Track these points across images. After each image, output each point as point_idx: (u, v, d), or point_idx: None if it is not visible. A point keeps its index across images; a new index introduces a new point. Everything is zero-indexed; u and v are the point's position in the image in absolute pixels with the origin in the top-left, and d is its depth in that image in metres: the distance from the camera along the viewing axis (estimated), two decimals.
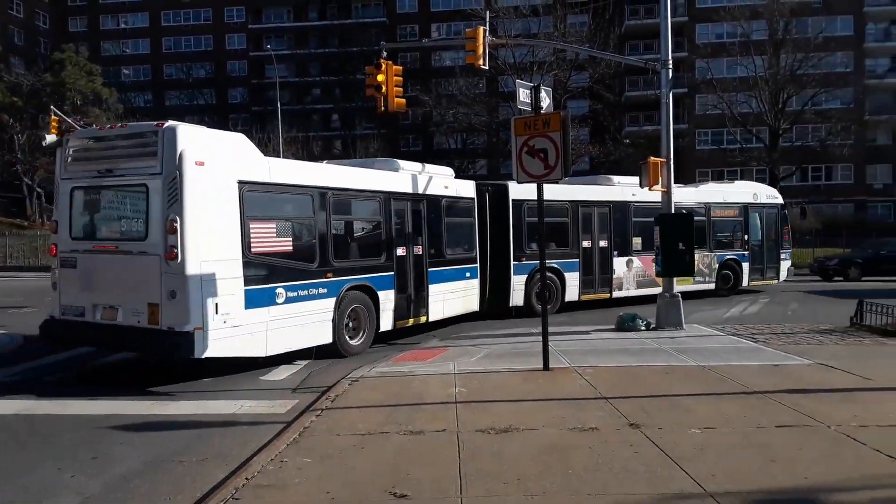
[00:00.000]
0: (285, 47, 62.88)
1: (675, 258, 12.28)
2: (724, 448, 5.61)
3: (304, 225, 10.29)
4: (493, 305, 14.85)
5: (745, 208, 20.00)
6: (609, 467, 5.19)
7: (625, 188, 17.62)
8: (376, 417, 6.68)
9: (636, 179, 19.76)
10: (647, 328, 12.40)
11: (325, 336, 10.23)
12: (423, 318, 12.63)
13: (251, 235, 9.01)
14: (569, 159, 8.54)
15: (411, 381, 8.33)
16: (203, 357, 8.28)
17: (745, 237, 19.96)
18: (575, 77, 43.37)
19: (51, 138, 9.20)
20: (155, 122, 8.74)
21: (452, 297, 13.41)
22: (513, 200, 15.18)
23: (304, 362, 10.04)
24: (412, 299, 12.24)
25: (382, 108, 13.33)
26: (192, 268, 8.14)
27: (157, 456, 6.04)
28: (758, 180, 42.32)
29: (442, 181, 13.54)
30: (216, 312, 8.36)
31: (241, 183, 8.89)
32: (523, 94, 9.24)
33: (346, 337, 10.70)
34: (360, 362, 9.79)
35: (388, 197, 11.81)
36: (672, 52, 13.02)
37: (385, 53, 13.45)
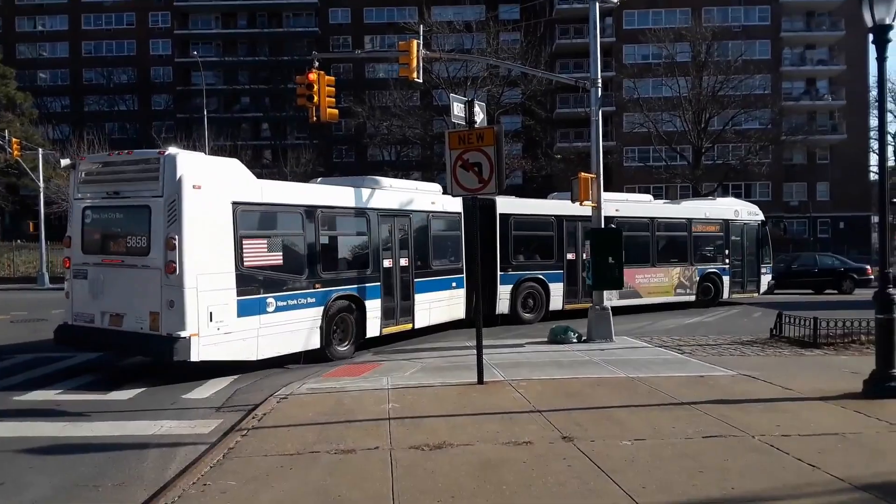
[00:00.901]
0: (213, 54, 61.28)
1: (606, 272, 12.54)
2: (654, 459, 5.67)
3: (294, 240, 11.09)
4: (482, 312, 14.96)
5: (726, 224, 20.79)
6: (543, 482, 5.17)
7: (608, 203, 17.60)
8: (306, 436, 6.46)
9: (618, 195, 21.09)
10: (579, 340, 12.58)
11: (313, 342, 11.02)
12: (409, 326, 13.35)
13: (244, 251, 9.94)
14: (502, 174, 8.59)
15: (343, 397, 8.13)
16: (198, 360, 9.17)
17: (726, 251, 20.80)
18: (508, 93, 44.02)
19: (65, 162, 11.01)
20: (157, 150, 9.72)
21: (438, 305, 14.16)
22: (500, 214, 16.14)
23: (231, 378, 9.70)
24: (398, 308, 13.01)
25: (314, 119, 13.14)
26: (189, 280, 9.08)
27: (71, 481, 5.67)
28: (681, 196, 44.15)
29: (429, 197, 14.31)
30: (210, 320, 9.31)
31: (234, 204, 9.84)
32: (457, 109, 9.25)
33: (334, 343, 11.49)
34: (290, 378, 9.52)
35: (375, 213, 12.59)
36: (601, 71, 13.34)
37: (317, 63, 13.26)
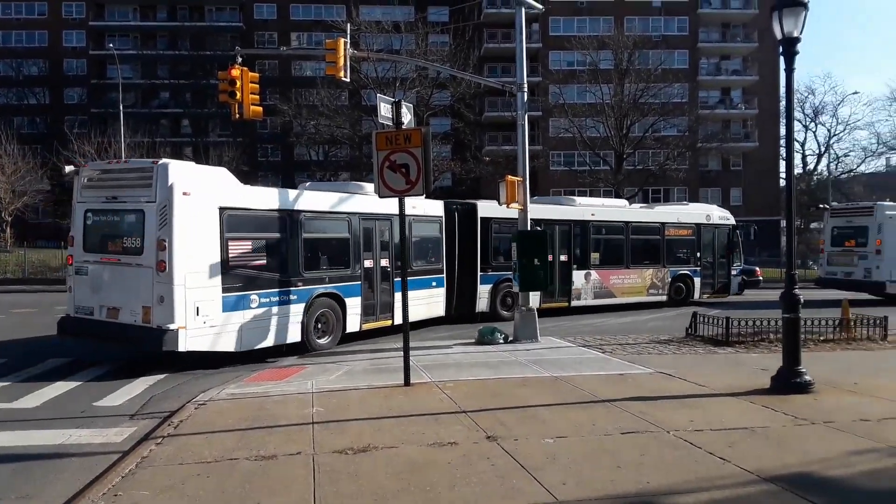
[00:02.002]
0: (130, 47, 58.68)
1: (532, 273, 12.75)
2: (575, 456, 5.79)
3: (277, 242, 11.90)
4: (461, 311, 16.74)
5: (698, 228, 21.85)
6: (467, 482, 5.19)
7: (585, 208, 19.79)
8: (225, 443, 6.28)
9: (594, 200, 22.06)
10: (506, 341, 12.72)
11: (294, 335, 11.88)
12: (389, 322, 14.05)
13: (229, 251, 10.80)
14: (430, 175, 8.59)
15: (264, 402, 7.94)
16: (184, 351, 9.99)
17: (698, 254, 21.87)
18: (437, 95, 44.07)
19: (69, 168, 11.95)
20: (152, 160, 10.74)
21: (418, 303, 14.66)
22: (481, 218, 17.10)
23: (147, 384, 9.34)
24: (378, 305, 13.85)
25: (237, 116, 12.78)
26: (178, 278, 9.90)
27: None
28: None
29: (410, 201, 14.30)
30: (197, 314, 10.14)
31: (221, 209, 10.69)
32: (384, 109, 9.20)
33: (314, 337, 12.36)
34: (210, 383, 9.23)
35: (357, 217, 13.42)
36: (527, 76, 13.56)
37: (240, 59, 12.91)
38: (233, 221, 10.91)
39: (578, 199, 20.66)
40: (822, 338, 12.76)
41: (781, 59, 8.88)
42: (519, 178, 13.21)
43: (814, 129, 65.15)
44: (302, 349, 11.93)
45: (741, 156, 57.39)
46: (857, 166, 64.06)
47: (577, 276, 19.05)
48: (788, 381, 8.36)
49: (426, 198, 12.87)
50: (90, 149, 36.87)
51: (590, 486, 5.11)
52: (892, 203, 24.33)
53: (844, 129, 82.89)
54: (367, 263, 13.58)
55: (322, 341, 12.45)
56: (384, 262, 14.02)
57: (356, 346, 12.65)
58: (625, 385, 8.79)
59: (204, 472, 5.49)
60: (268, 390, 8.58)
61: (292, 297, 11.84)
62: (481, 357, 11.11)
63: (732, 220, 23.18)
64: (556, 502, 4.81)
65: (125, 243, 10.55)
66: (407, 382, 8.61)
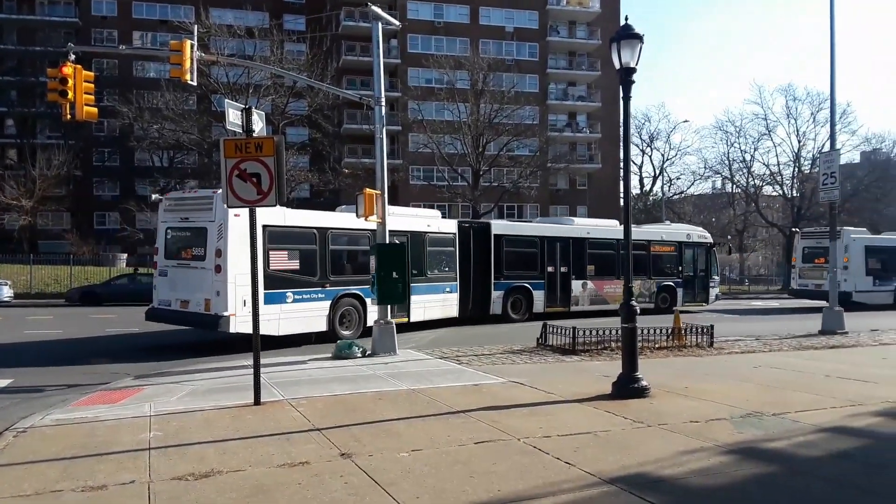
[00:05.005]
0: None
1: (390, 286, 12.69)
2: (429, 469, 5.77)
3: (309, 252, 15.26)
4: (477, 313, 20.15)
5: (680, 245, 25.19)
6: (318, 502, 5.00)
7: (581, 227, 23.30)
8: (48, 473, 5.63)
9: (590, 220, 25.33)
10: (364, 355, 12.56)
11: (321, 326, 15.29)
12: (406, 319, 17.14)
13: (270, 259, 14.15)
14: (283, 185, 8.30)
15: (96, 427, 7.23)
16: (234, 332, 13.32)
17: (680, 268, 25.11)
18: (293, 104, 43.04)
19: (155, 196, 15.90)
20: (212, 190, 13.98)
21: (432, 305, 18.47)
22: (494, 235, 20.75)
23: None
24: (395, 305, 15.59)
25: (69, 116, 11.72)
26: (230, 278, 13.23)
27: None
28: (462, 216, 46.48)
29: (425, 221, 19.03)
30: (244, 306, 12.93)
31: (264, 227, 13.62)
32: (233, 115, 8.78)
33: (340, 329, 15.64)
34: (32, 408, 8.28)
35: (376, 233, 15.21)
36: (386, 90, 13.60)
37: (73, 56, 11.87)
38: (273, 236, 14.25)
39: (576, 220, 24.24)
40: (657, 345, 13.78)
41: (620, 86, 9.53)
42: (377, 192, 13.17)
43: (650, 154, 70.49)
44: (330, 338, 14.76)
45: (586, 176, 61.21)
46: (688, 188, 70.29)
47: (576, 285, 22.34)
48: (627, 387, 8.90)
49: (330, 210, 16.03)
50: None
51: (443, 497, 5.10)
52: (856, 228, 30.92)
53: (676, 154, 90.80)
54: None
55: (346, 333, 15.57)
56: None
57: (203, 363, 11.93)
58: (479, 395, 8.95)
59: None
60: (99, 414, 7.84)
61: (320, 295, 15.16)
62: (338, 372, 10.88)
63: (710, 239, 26.63)
64: None
65: (193, 252, 14.04)
66: (257, 401, 8.22)
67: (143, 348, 14.96)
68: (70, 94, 11.51)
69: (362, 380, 10.16)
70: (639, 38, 9.19)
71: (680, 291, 24.94)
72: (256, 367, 8.33)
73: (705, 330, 14.46)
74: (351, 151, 53.74)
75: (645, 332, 13.49)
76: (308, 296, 14.88)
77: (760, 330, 18.53)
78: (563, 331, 13.65)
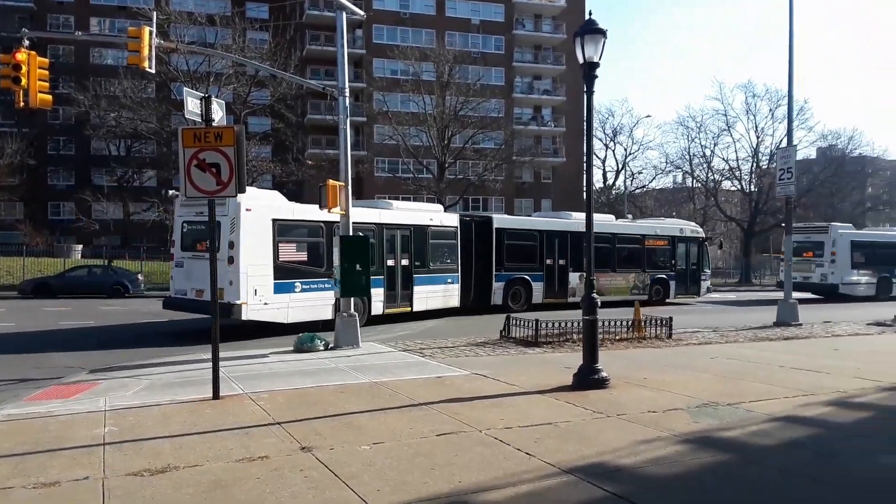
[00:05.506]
0: None
1: (353, 279, 12.58)
2: (391, 461, 5.77)
3: (315, 245, 16.14)
4: (478, 303, 20.91)
5: (673, 239, 26.12)
6: (277, 497, 4.95)
7: (579, 221, 22.34)
8: None
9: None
10: (326, 348, 12.48)
11: (327, 315, 15.67)
12: (408, 308, 18.50)
13: (279, 250, 15.13)
14: (243, 176, 8.17)
15: (48, 423, 7.05)
16: (246, 320, 14.47)
17: (672, 261, 26.04)
18: (256, 94, 42.33)
19: (172, 192, 16.35)
20: None
21: (434, 295, 19.40)
22: (496, 229, 21.56)
23: None
24: (398, 295, 18.28)
25: (22, 104, 11.34)
26: (242, 268, 14.26)
27: None
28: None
29: (428, 215, 19.91)
30: (255, 294, 14.48)
31: (273, 220, 15.02)
32: (192, 104, 8.61)
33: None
34: None
35: (380, 226, 17.84)
36: (351, 81, 13.47)
37: (28, 42, 11.48)
38: (282, 229, 15.19)
39: (574, 214, 24.22)
40: (617, 337, 13.98)
41: (584, 81, 9.60)
42: (341, 183, 13.05)
43: (613, 148, 71.08)
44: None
45: (551, 169, 61.65)
46: (650, 182, 71.26)
47: (573, 277, 22.96)
48: (588, 378, 9.02)
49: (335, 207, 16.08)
50: None
51: (404, 489, 5.11)
52: (842, 224, 32.31)
53: (639, 149, 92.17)
54: (390, 262, 18.02)
55: None
56: (404, 262, 18.36)
57: (161, 357, 11.72)
58: (442, 387, 8.96)
59: None
60: (52, 410, 7.64)
61: (327, 285, 15.67)
62: (300, 365, 10.80)
63: (702, 234, 27.67)
64: None
65: (208, 244, 14.12)
66: (216, 395, 8.11)
67: (99, 342, 14.63)
68: (24, 81, 11.13)
69: (324, 373, 10.10)
70: (602, 33, 9.26)
71: (673, 284, 25.93)
72: (215, 360, 8.21)
73: (664, 322, 14.72)
74: (315, 142, 53.22)
75: (606, 323, 13.67)
76: (315, 286, 15.71)
77: (718, 322, 18.93)
78: (526, 323, 13.75)
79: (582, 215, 25.70)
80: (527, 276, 22.23)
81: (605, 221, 25.31)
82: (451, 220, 20.59)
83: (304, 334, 12.84)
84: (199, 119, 8.64)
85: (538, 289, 22.46)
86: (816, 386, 9.35)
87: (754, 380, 9.82)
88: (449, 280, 19.95)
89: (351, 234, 13.31)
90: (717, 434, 6.82)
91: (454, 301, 20.06)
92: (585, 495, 5.08)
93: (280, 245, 15.07)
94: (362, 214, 17.07)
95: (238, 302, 14.09)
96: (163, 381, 9.46)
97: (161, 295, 30.99)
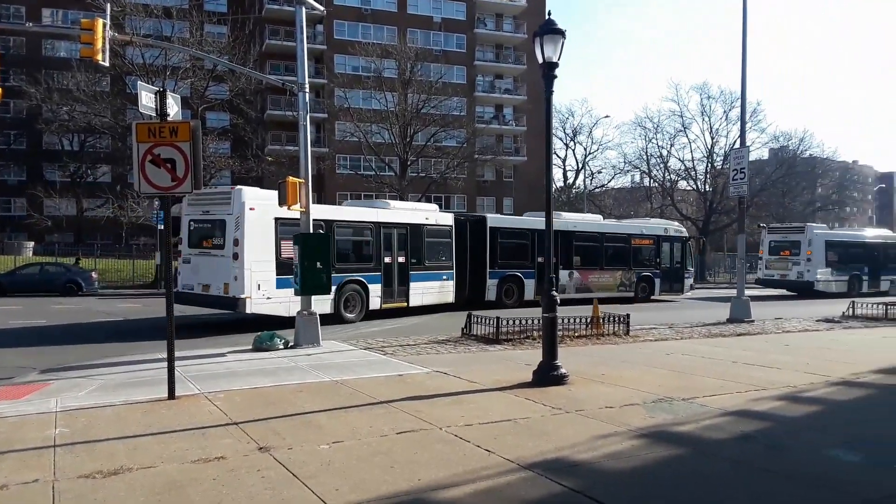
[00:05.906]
0: None
1: (314, 276, 12.45)
2: (350, 460, 5.74)
3: None
4: (472, 299, 21.42)
5: (658, 238, 27.06)
6: (233, 498, 4.89)
7: (569, 220, 24.65)
8: None
9: (573, 215, 26.74)
10: (286, 346, 12.34)
11: (326, 309, 16.22)
12: (404, 304, 19.31)
13: (281, 247, 15.66)
14: (199, 172, 8.03)
15: None
16: (250, 313, 15.33)
17: (658, 260, 26.98)
18: (214, 88, 41.45)
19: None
20: (230, 186, 16.88)
21: (429, 291, 20.08)
22: (490, 227, 22.42)
23: None
24: (395, 291, 19.05)
25: None
26: (246, 264, 15.16)
27: None
28: None
29: (423, 214, 20.56)
30: (258, 289, 15.35)
31: (276, 219, 15.65)
32: (146, 98, 8.42)
33: (345, 311, 17.54)
34: None
35: (378, 225, 18.72)
36: (311, 77, 13.49)
37: None
38: (284, 227, 15.51)
39: (564, 214, 25.29)
40: (576, 334, 14.15)
41: (543, 80, 9.67)
42: (301, 180, 12.90)
43: (573, 148, 71.92)
44: (335, 320, 16.72)
45: (512, 168, 62.01)
46: (609, 181, 72.25)
47: (563, 274, 23.66)
48: (547, 375, 9.11)
49: (316, 203, 16.30)
50: None
51: (363, 488, 5.09)
52: (818, 224, 33.61)
53: (598, 149, 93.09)
54: (387, 260, 18.72)
55: (350, 315, 17.58)
56: (401, 259, 19.10)
57: (115, 357, 11.43)
58: (403, 385, 8.96)
59: None
60: (1, 411, 7.40)
61: None
62: (258, 364, 10.67)
63: (685, 234, 28.54)
64: None
65: (213, 242, 15.80)
66: (171, 395, 7.95)
67: (50, 341, 14.21)
68: None
69: (283, 372, 9.99)
70: (561, 33, 9.34)
71: (658, 281, 26.82)
72: (170, 359, 8.06)
73: (622, 319, 14.96)
74: (275, 138, 52.55)
75: (565, 321, 13.83)
76: None
77: (674, 318, 19.31)
78: (488, 321, 13.82)
79: (574, 216, 27.36)
80: (519, 274, 22.95)
81: (593, 221, 26.38)
82: (447, 219, 21.25)
83: (263, 333, 12.66)
84: (153, 114, 8.46)
85: (530, 285, 23.10)
86: (767, 381, 9.61)
87: (708, 375, 10.06)
88: (444, 277, 20.59)
89: (311, 231, 13.18)
90: (672, 428, 6.96)
91: (449, 297, 20.63)
92: (544, 491, 5.13)
93: (282, 242, 15.58)
94: (360, 214, 18.75)
95: (243, 296, 14.95)
96: (116, 381, 9.24)
97: (116, 294, 30.35)
